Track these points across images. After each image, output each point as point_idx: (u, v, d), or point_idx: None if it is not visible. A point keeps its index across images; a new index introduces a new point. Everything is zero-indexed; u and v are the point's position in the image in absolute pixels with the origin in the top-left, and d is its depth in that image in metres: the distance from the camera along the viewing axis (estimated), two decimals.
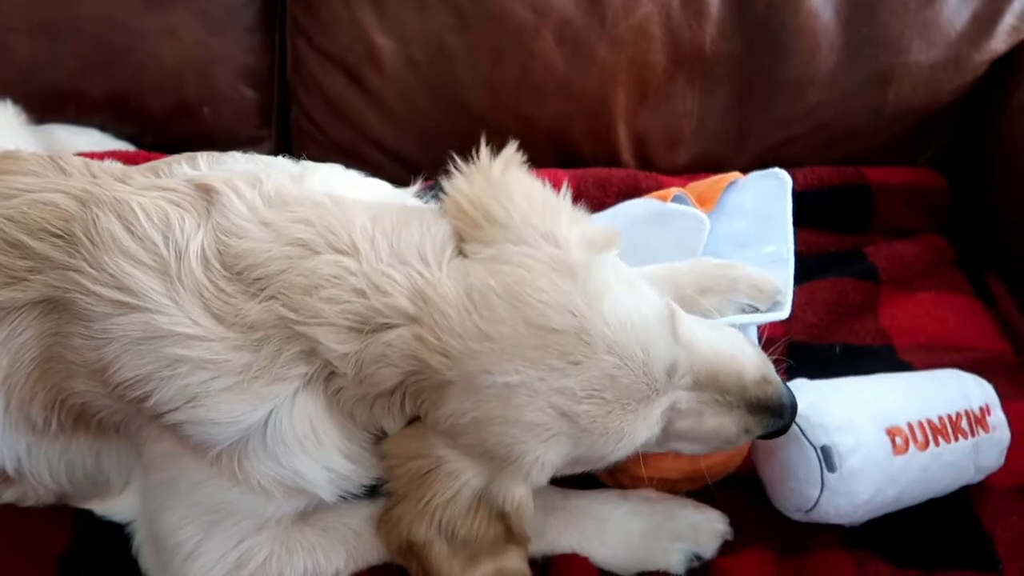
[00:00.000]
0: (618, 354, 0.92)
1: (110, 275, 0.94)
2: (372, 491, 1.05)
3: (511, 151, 1.05)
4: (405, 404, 0.96)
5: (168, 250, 0.95)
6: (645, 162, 1.72)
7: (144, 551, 1.05)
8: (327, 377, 0.96)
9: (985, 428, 1.13)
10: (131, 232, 0.96)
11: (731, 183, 1.36)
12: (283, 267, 0.95)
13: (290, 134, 1.81)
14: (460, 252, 0.97)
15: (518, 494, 0.96)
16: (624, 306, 0.94)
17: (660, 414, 0.97)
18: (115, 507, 1.07)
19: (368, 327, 0.93)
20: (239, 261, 0.95)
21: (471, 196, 1.00)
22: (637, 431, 0.95)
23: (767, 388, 1.02)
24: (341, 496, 1.02)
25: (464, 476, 0.95)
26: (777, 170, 1.33)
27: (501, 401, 0.92)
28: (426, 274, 0.94)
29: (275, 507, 1.00)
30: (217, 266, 0.95)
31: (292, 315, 0.93)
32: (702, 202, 1.34)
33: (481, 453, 0.94)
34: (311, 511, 1.05)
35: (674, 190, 1.37)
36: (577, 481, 1.16)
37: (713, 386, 1.00)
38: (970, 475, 1.15)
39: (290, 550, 1.04)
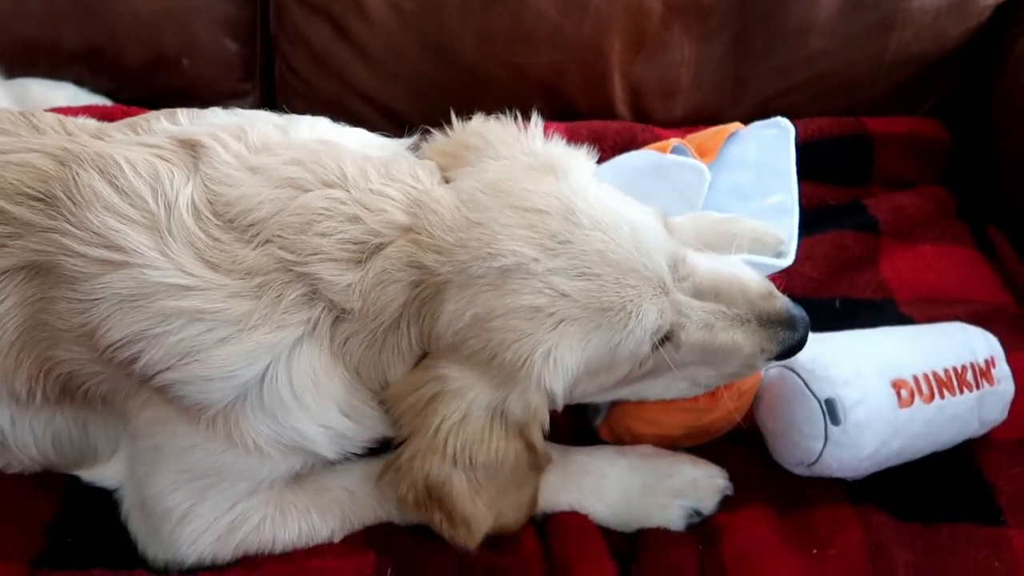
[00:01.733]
0: (603, 230, 0.92)
1: (95, 233, 0.91)
2: (372, 453, 1.03)
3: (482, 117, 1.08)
4: (411, 334, 0.94)
5: (157, 204, 0.93)
6: (641, 114, 1.69)
7: (133, 517, 1.03)
8: (332, 324, 0.93)
9: (990, 381, 1.12)
10: (116, 187, 0.93)
11: (732, 134, 1.33)
12: (276, 209, 0.93)
13: (274, 88, 1.77)
14: (446, 181, 0.99)
15: (533, 402, 0.93)
16: (608, 197, 0.96)
17: (668, 305, 0.95)
18: (103, 473, 1.05)
19: (366, 252, 0.92)
20: (230, 208, 0.93)
21: (449, 142, 1.04)
22: (643, 311, 0.92)
23: (774, 301, 1.01)
24: (342, 455, 1.00)
25: (472, 392, 0.92)
26: (779, 119, 1.30)
27: (497, 289, 0.90)
28: (419, 187, 0.95)
29: (270, 469, 0.98)
30: (209, 215, 0.93)
31: (290, 256, 0.91)
32: (702, 153, 1.31)
33: (487, 361, 0.91)
34: (306, 472, 1.03)
35: (673, 141, 1.33)
36: (576, 439, 1.14)
37: (717, 297, 0.99)
38: (974, 428, 1.14)
39: (284, 512, 1.02)
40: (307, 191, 0.94)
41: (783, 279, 1.37)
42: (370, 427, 0.99)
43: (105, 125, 1.06)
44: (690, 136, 1.40)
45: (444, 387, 0.93)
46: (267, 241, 0.92)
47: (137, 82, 1.69)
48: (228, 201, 0.94)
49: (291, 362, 0.93)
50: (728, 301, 0.99)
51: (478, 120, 1.06)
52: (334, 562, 1.01)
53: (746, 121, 1.39)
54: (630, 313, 0.92)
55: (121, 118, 1.47)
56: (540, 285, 0.90)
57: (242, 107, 1.71)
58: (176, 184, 0.94)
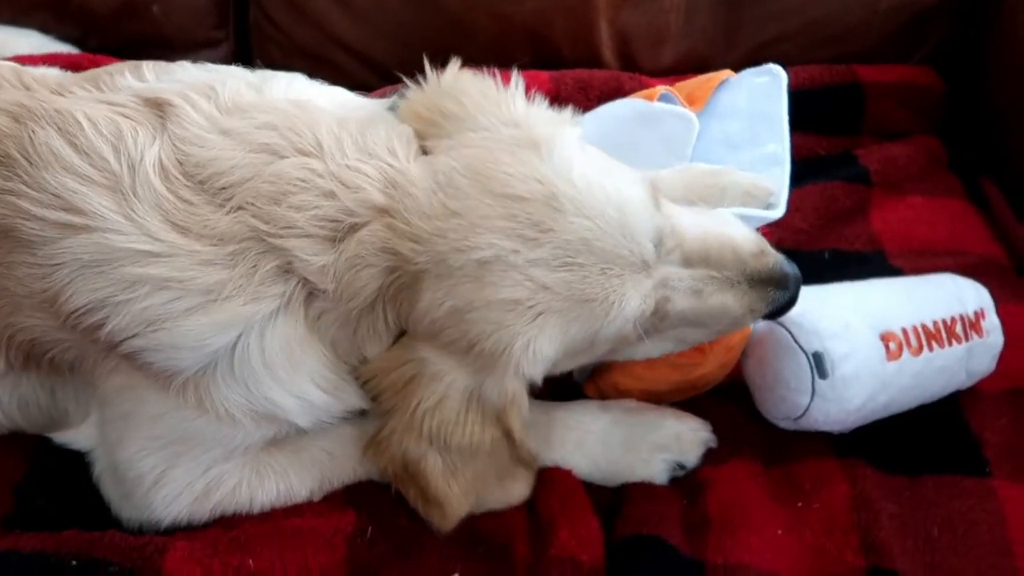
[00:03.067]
0: (589, 216, 0.89)
1: (53, 195, 0.88)
2: None
3: (457, 65, 1.02)
4: (387, 316, 0.92)
5: (120, 164, 0.89)
6: (628, 62, 1.65)
7: (105, 480, 1.01)
8: (306, 299, 0.91)
9: (979, 332, 1.11)
10: (75, 146, 0.89)
11: (723, 82, 1.29)
12: (249, 174, 0.89)
13: (248, 36, 1.71)
14: (423, 151, 0.95)
15: (510, 389, 0.92)
16: (594, 173, 0.91)
17: (651, 287, 0.92)
18: (74, 436, 1.02)
19: (341, 231, 0.89)
20: (202, 170, 0.89)
21: (424, 101, 0.98)
22: (626, 300, 0.90)
23: (766, 260, 0.98)
24: (316, 424, 0.98)
25: (449, 376, 0.91)
26: (771, 66, 1.26)
27: (475, 281, 0.88)
28: (396, 164, 0.91)
29: (244, 435, 0.96)
30: (178, 176, 0.89)
31: (264, 227, 0.88)
32: (691, 101, 1.27)
33: (465, 349, 0.90)
34: (281, 437, 1.01)
35: (661, 89, 1.29)
36: (560, 394, 1.13)
37: (707, 262, 0.96)
38: (961, 380, 1.13)
39: (260, 474, 1.00)
40: (282, 158, 0.90)
41: (773, 231, 1.36)
42: (345, 400, 0.97)
43: (66, 79, 1.01)
44: (679, 84, 1.36)
45: (422, 369, 0.92)
46: (240, 208, 0.89)
47: (105, 29, 1.63)
48: (199, 162, 0.90)
49: (264, 334, 0.90)
50: (718, 264, 0.96)
51: (453, 73, 1.00)
52: (313, 521, 1.00)
53: (737, 69, 1.35)
54: (612, 303, 0.89)
55: (88, 67, 1.42)
56: (520, 278, 0.87)
57: (215, 56, 1.69)
58: (140, 143, 0.90)
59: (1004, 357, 1.15)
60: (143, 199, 0.87)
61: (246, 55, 1.71)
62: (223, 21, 1.69)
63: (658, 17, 1.61)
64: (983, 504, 1.04)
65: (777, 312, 0.99)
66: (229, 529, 0.98)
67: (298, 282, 0.90)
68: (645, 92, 1.33)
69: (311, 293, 0.91)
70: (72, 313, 0.89)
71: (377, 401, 0.95)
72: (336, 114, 0.95)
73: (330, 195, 0.89)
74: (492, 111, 0.95)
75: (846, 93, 1.56)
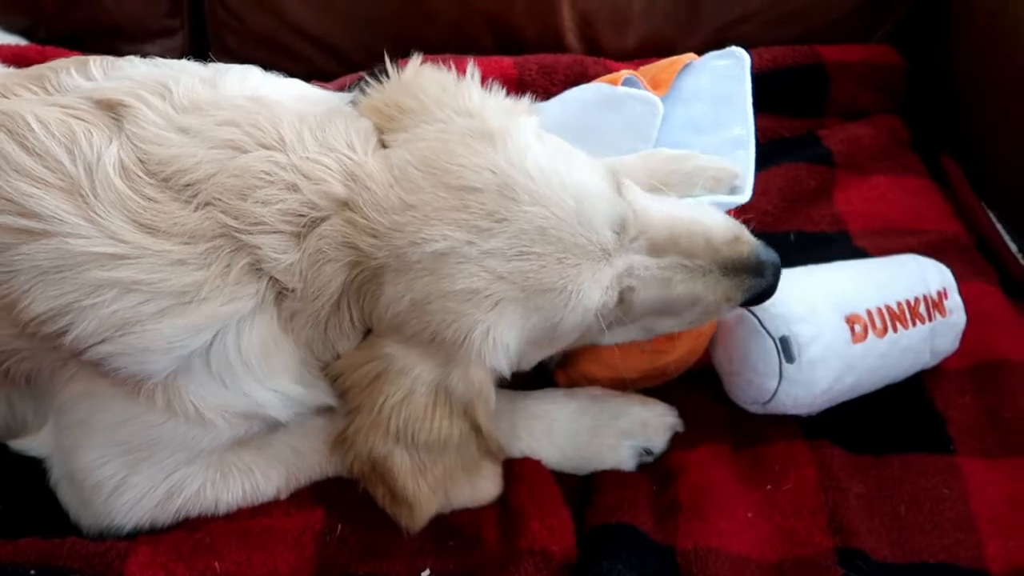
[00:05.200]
0: (544, 204, 0.88)
1: (6, 200, 0.85)
2: None
3: (419, 59, 1.02)
4: (353, 314, 0.91)
5: (76, 166, 0.85)
6: (592, 45, 1.63)
7: (62, 487, 0.98)
8: (276, 298, 0.89)
9: (942, 312, 1.12)
10: (26, 148, 0.86)
11: (686, 65, 1.28)
12: (214, 170, 0.87)
13: (204, 23, 1.66)
14: (382, 145, 0.93)
15: (476, 380, 0.91)
16: (551, 161, 0.90)
17: (613, 276, 0.91)
18: (30, 443, 0.99)
19: (305, 226, 0.88)
20: (165, 167, 0.87)
21: (384, 97, 0.97)
22: (585, 290, 0.89)
23: (741, 247, 0.96)
24: (294, 417, 0.97)
25: (415, 370, 0.90)
26: (734, 48, 1.25)
27: (432, 274, 0.87)
28: (354, 157, 0.90)
29: (212, 438, 0.94)
30: (140, 175, 0.86)
31: (233, 223, 0.87)
32: (655, 85, 1.26)
33: (428, 341, 0.89)
34: (248, 437, 0.99)
35: (624, 73, 1.28)
36: (528, 383, 1.12)
37: (676, 249, 0.94)
38: (925, 360, 1.14)
39: (225, 474, 0.99)
40: (245, 152, 0.88)
41: (738, 214, 1.36)
42: (321, 397, 0.96)
43: (8, 79, 0.96)
44: (643, 68, 1.35)
45: (388, 366, 0.91)
46: (208, 204, 0.86)
47: (54, 19, 1.58)
48: (161, 160, 0.87)
49: (241, 332, 0.89)
50: (688, 252, 0.94)
51: (414, 68, 0.99)
52: (281, 519, 0.98)
53: (700, 52, 1.34)
54: (571, 293, 0.88)
55: (36, 60, 1.38)
56: (475, 268, 0.87)
57: (169, 45, 1.65)
58: (96, 145, 0.86)
59: (966, 335, 1.17)
60: (104, 200, 0.85)
61: (201, 44, 1.66)
62: (177, 9, 1.64)
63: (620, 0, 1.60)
64: (948, 481, 1.06)
65: (755, 300, 0.98)
66: (194, 531, 0.97)
67: (268, 280, 0.88)
68: (609, 76, 1.32)
69: (280, 293, 0.89)
70: (31, 321, 0.85)
71: (344, 399, 0.94)
72: (296, 109, 0.93)
73: (294, 188, 0.88)
74: (449, 103, 0.94)
75: (810, 74, 1.56)
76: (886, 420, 1.13)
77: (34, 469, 0.99)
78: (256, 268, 0.88)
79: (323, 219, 0.88)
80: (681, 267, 0.94)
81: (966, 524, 1.02)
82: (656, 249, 0.94)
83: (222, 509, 0.99)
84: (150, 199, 0.86)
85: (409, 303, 0.88)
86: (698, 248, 0.95)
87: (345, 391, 0.93)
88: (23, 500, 1.00)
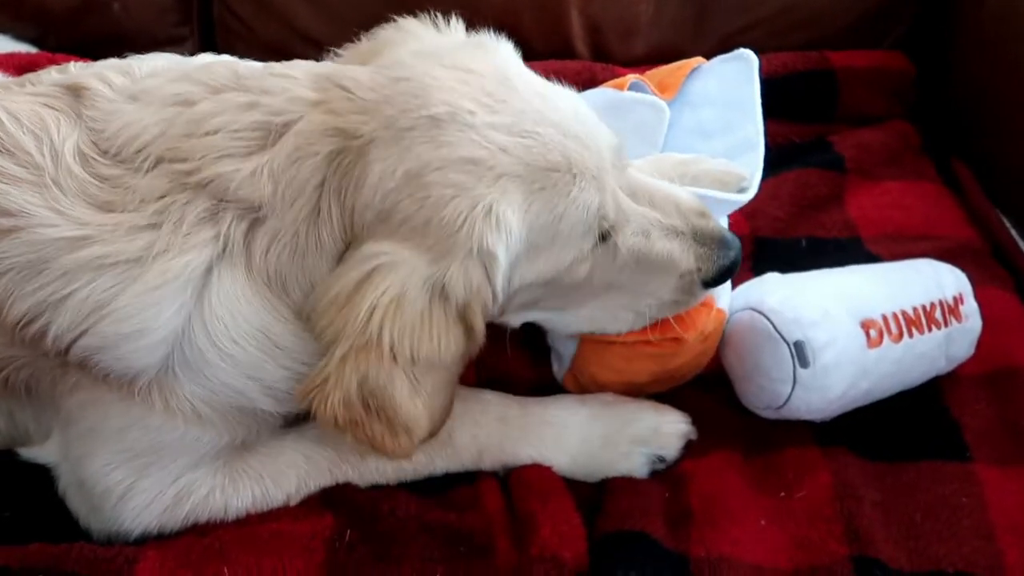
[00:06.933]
0: (542, 95, 0.87)
1: None
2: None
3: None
4: (334, 219, 0.83)
5: (43, 155, 0.85)
6: (600, 52, 1.63)
7: (71, 494, 0.97)
8: (246, 234, 0.83)
9: (958, 317, 1.10)
10: None
11: (694, 69, 1.28)
12: (163, 128, 0.85)
13: (213, 32, 1.67)
14: None
15: (475, 276, 0.82)
16: (541, 81, 0.90)
17: (608, 192, 0.88)
18: (38, 452, 0.99)
19: (271, 134, 0.83)
20: (114, 141, 0.86)
21: (366, 43, 0.97)
22: (587, 183, 0.86)
23: (708, 221, 0.97)
24: (282, 407, 0.93)
25: (407, 266, 0.80)
26: (742, 51, 1.25)
27: (431, 141, 0.81)
28: (325, 69, 0.88)
29: (211, 440, 0.93)
30: (95, 157, 0.85)
31: (184, 166, 0.83)
32: (662, 89, 1.26)
33: (422, 227, 0.80)
34: (252, 441, 0.98)
35: (631, 77, 1.28)
36: (538, 390, 1.11)
37: (652, 205, 0.94)
38: (941, 366, 1.12)
39: (235, 480, 0.97)
40: (196, 104, 0.85)
41: (749, 221, 1.36)
42: (305, 353, 0.88)
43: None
44: (650, 72, 1.35)
45: (375, 264, 0.81)
46: (158, 162, 0.84)
47: (64, 28, 1.59)
48: (110, 135, 0.86)
49: (205, 305, 0.84)
50: (663, 211, 0.94)
51: (389, 27, 0.98)
52: (290, 525, 0.97)
53: (708, 58, 1.34)
54: (575, 176, 0.85)
55: (46, 67, 1.39)
56: (478, 138, 0.81)
57: (179, 53, 1.64)
58: (63, 132, 0.86)
59: (982, 341, 1.15)
60: (67, 189, 0.84)
61: (211, 52, 1.67)
62: (186, 18, 1.65)
63: (629, 8, 1.60)
64: (964, 489, 1.04)
65: (722, 275, 0.97)
66: (203, 536, 0.96)
67: (232, 217, 0.83)
68: (615, 81, 1.32)
69: (252, 224, 0.83)
70: (16, 324, 0.85)
71: (321, 335, 0.83)
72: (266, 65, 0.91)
73: (250, 106, 0.84)
74: (435, 33, 0.94)
75: (819, 80, 1.56)
76: (901, 426, 1.11)
77: (41, 476, 0.98)
78: (215, 211, 0.83)
79: (296, 120, 0.83)
80: (658, 222, 0.94)
81: (984, 533, 1.00)
82: (635, 197, 0.94)
83: (231, 515, 0.98)
84: (105, 178, 0.85)
85: (402, 177, 0.81)
86: (671, 209, 0.95)
87: (319, 319, 0.83)
88: (31, 506, 0.99)
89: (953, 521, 1.01)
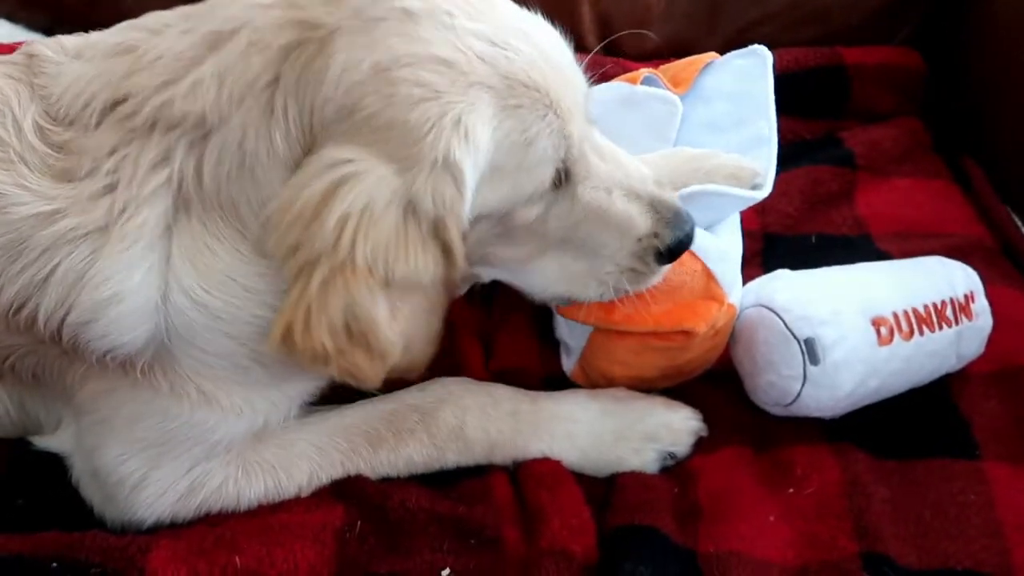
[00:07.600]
0: (527, 21, 0.84)
1: None
2: (325, 401, 0.99)
3: None
4: (290, 119, 0.76)
5: (8, 132, 0.84)
6: (611, 46, 1.62)
7: (85, 483, 0.98)
8: (196, 163, 0.78)
9: (969, 316, 1.10)
10: None
11: (707, 64, 1.28)
12: (107, 80, 0.83)
13: None
14: None
15: (445, 189, 0.76)
16: (527, 12, 0.87)
17: (579, 127, 0.85)
18: (51, 441, 0.99)
19: (221, 38, 0.78)
20: (62, 103, 0.84)
21: None
22: (565, 105, 0.82)
23: (666, 192, 0.95)
24: (271, 370, 0.91)
25: (374, 174, 0.74)
26: (756, 47, 1.25)
27: (403, 35, 0.75)
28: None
29: (225, 429, 0.94)
30: (49, 127, 0.84)
31: (128, 109, 0.80)
32: (675, 83, 1.25)
33: (386, 129, 0.74)
34: (266, 432, 0.99)
35: (644, 71, 1.28)
36: (549, 384, 1.12)
37: (615, 164, 0.92)
38: (951, 364, 1.12)
39: (248, 471, 0.98)
40: (138, 47, 0.83)
41: (759, 217, 1.36)
42: (275, 310, 0.83)
43: None
44: (663, 67, 1.35)
45: (340, 174, 0.74)
46: (103, 113, 0.81)
47: (77, 16, 1.55)
48: (58, 98, 0.84)
49: (173, 260, 0.81)
50: (625, 172, 0.92)
51: None
52: (301, 516, 0.98)
53: (720, 53, 1.33)
54: (552, 102, 0.81)
55: None
56: (454, 39, 0.75)
57: None
58: (23, 105, 0.85)
59: (992, 339, 1.15)
60: (31, 164, 0.83)
61: None
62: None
63: (640, 1, 1.59)
64: (973, 486, 1.04)
65: (678, 247, 0.94)
66: (215, 526, 0.96)
67: (182, 149, 0.78)
68: (629, 75, 1.32)
69: (200, 142, 0.78)
70: (8, 311, 0.84)
71: (286, 257, 0.77)
72: None
73: (196, 28, 0.80)
74: None
75: (831, 75, 1.55)
76: (910, 424, 1.11)
77: (54, 463, 0.99)
78: (166, 152, 0.79)
79: (250, 21, 0.77)
80: (619, 182, 0.91)
81: (992, 531, 1.00)
82: (599, 152, 0.91)
83: (244, 505, 0.98)
84: (59, 147, 0.83)
85: (369, 69, 0.74)
86: (632, 172, 0.93)
87: (283, 237, 0.76)
88: (44, 494, 1.00)
89: (962, 519, 1.01)
